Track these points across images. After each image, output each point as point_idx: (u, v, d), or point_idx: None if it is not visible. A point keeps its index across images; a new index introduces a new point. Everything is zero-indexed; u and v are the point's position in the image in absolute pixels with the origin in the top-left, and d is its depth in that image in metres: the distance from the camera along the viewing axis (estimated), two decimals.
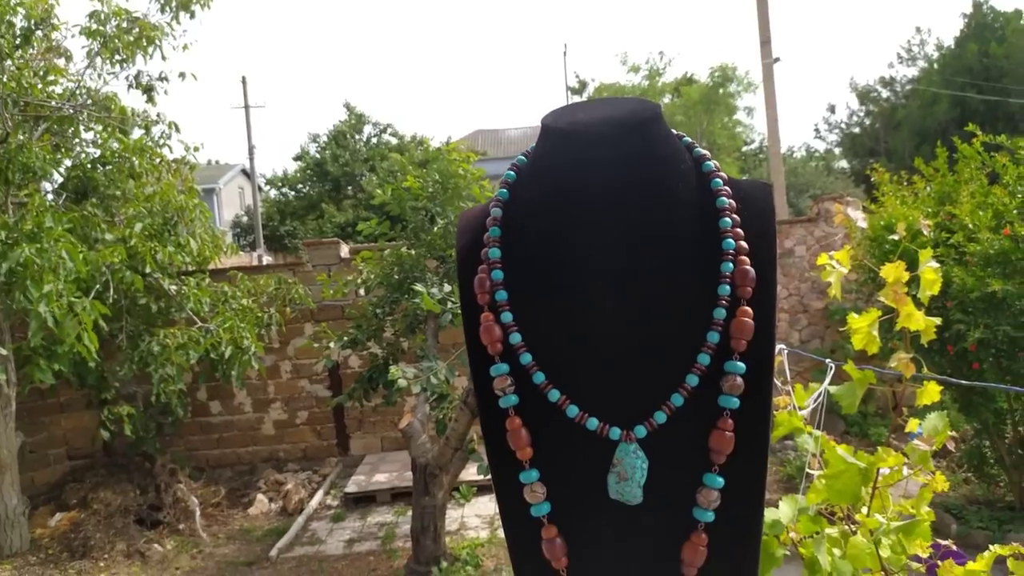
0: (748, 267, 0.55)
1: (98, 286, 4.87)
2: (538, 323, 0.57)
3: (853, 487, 1.98)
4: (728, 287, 0.55)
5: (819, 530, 1.96)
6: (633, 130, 0.58)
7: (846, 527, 2.02)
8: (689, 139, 0.61)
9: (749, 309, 0.54)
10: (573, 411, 0.55)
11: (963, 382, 2.54)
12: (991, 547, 1.74)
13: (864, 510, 2.05)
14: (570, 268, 0.58)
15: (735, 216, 0.57)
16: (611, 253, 0.57)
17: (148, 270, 5.34)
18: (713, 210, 0.58)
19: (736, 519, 0.55)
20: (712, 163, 0.59)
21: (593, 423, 0.54)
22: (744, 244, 0.56)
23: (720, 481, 0.53)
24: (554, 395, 0.55)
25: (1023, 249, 4.29)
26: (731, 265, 0.55)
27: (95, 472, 6.14)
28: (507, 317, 0.57)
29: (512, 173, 0.63)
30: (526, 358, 0.56)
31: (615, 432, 0.54)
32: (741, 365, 0.54)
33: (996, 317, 4.31)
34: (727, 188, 0.58)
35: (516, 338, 0.57)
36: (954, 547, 1.83)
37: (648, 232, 0.57)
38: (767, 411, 0.55)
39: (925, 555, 1.70)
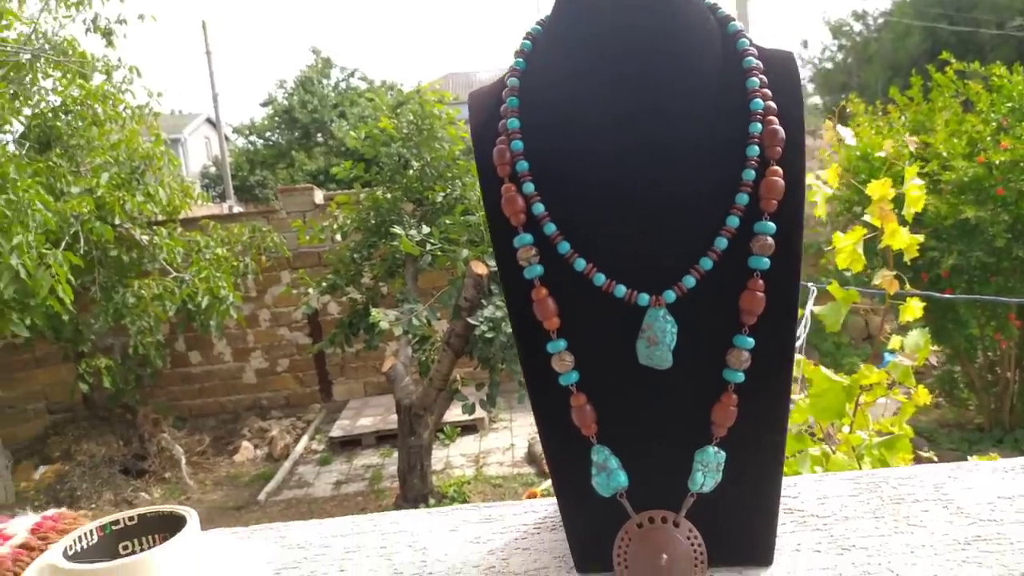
0: (777, 127, 0.54)
1: (67, 238, 4.76)
2: (560, 193, 0.56)
3: (837, 404, 2.02)
4: (757, 148, 0.53)
5: (802, 448, 2.00)
6: None
7: (827, 447, 2.06)
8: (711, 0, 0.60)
9: (779, 169, 0.53)
10: (600, 279, 0.54)
11: (945, 295, 2.58)
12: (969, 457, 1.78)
13: (845, 429, 2.10)
14: (591, 137, 0.56)
15: (763, 77, 0.55)
16: (634, 119, 0.56)
17: (118, 221, 5.23)
18: (739, 72, 0.56)
19: (765, 381, 0.54)
20: (737, 24, 0.58)
21: (621, 290, 0.53)
22: (772, 104, 0.54)
23: (750, 342, 0.53)
24: (580, 264, 0.54)
25: (996, 176, 4.33)
26: (760, 126, 0.54)
27: (77, 425, 6.10)
28: (529, 187, 0.55)
29: (528, 43, 0.61)
30: (550, 228, 0.55)
31: (643, 298, 0.53)
32: (771, 225, 0.53)
33: (969, 243, 4.38)
34: (753, 49, 0.57)
35: (539, 208, 0.55)
36: (935, 458, 1.88)
37: (673, 95, 0.56)
38: (797, 272, 0.54)
39: None
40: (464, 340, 4.23)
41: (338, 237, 5.72)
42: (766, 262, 0.53)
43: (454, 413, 5.64)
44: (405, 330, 4.55)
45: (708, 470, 0.54)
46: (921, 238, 2.14)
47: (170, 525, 0.59)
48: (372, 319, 4.45)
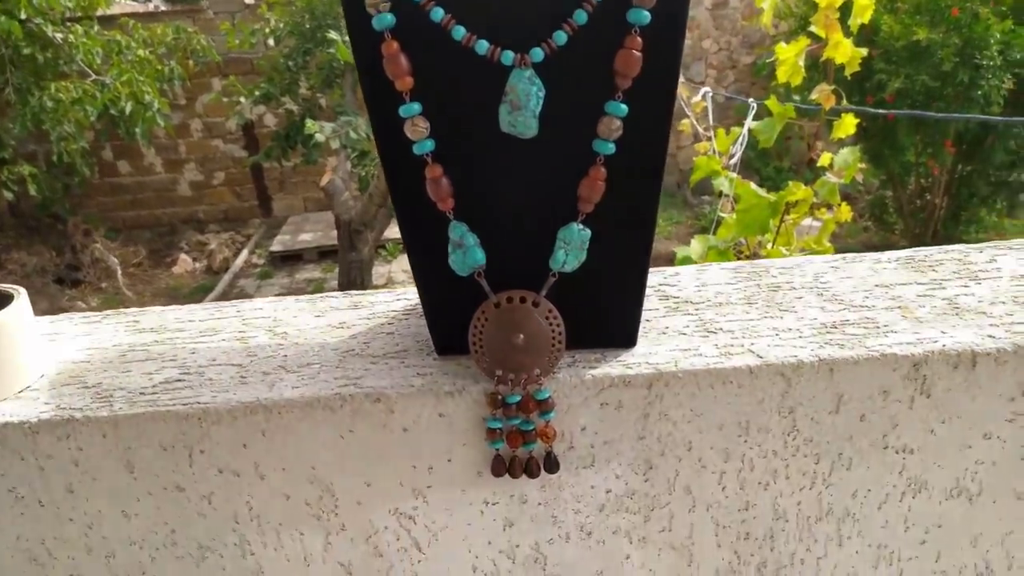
0: None
1: None
2: None
3: (762, 220, 2.02)
4: None
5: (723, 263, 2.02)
6: None
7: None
8: None
9: None
10: (460, 32, 0.47)
11: (880, 111, 2.55)
12: None
13: (769, 246, 2.12)
14: None
15: None
16: None
17: (25, 15, 4.78)
18: None
19: (639, 154, 0.50)
20: None
21: (483, 46, 0.47)
22: None
23: (624, 108, 0.48)
24: (437, 14, 0.47)
25: None
26: None
27: (4, 234, 5.92)
28: None
29: None
30: None
31: (508, 56, 0.47)
32: None
33: (917, 67, 4.31)
34: None
35: None
36: None
37: None
38: (681, 31, 0.48)
39: None
40: None
41: (271, 42, 5.37)
42: (646, 16, 0.46)
43: (396, 230, 5.61)
44: (343, 144, 4.40)
45: (571, 248, 0.50)
46: (864, 51, 2.07)
47: None
48: (307, 130, 4.29)
